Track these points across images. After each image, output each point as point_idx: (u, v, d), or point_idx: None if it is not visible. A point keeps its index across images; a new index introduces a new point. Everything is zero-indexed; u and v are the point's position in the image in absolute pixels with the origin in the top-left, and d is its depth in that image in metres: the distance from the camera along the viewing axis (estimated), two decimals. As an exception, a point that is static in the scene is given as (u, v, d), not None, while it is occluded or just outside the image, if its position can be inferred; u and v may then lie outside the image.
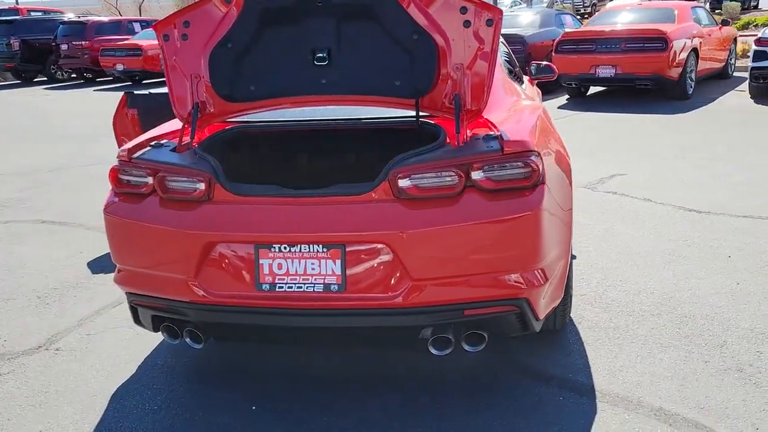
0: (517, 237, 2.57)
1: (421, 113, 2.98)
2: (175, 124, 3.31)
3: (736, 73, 13.85)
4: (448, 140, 2.74)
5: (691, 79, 11.17)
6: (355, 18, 2.85)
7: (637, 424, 2.70)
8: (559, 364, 3.16)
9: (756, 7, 30.20)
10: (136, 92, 5.28)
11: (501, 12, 2.75)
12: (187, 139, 2.98)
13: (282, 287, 2.62)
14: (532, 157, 2.61)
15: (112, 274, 4.43)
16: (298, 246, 2.60)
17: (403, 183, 2.57)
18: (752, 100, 10.75)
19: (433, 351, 2.69)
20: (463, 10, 2.74)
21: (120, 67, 19.15)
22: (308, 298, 2.61)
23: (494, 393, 2.96)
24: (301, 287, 2.61)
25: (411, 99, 2.93)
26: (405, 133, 3.15)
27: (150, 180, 2.81)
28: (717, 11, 23.23)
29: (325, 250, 2.59)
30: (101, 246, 5.27)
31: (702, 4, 13.48)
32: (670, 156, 7.32)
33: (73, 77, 22.15)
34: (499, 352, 3.25)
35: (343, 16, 2.85)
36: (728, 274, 4.10)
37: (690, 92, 11.14)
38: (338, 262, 2.59)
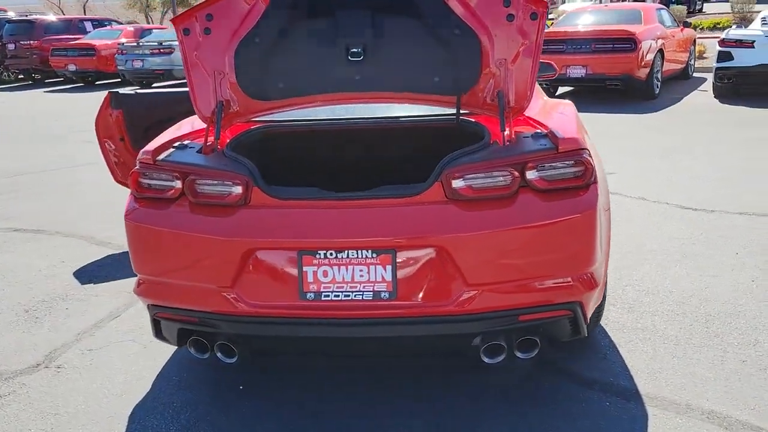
0: (574, 238, 2.48)
1: (461, 111, 2.86)
2: (191, 124, 3.12)
3: (695, 74, 14.18)
4: (493, 139, 2.63)
5: (658, 80, 11.37)
6: (392, 11, 2.72)
7: (691, 428, 2.64)
8: (597, 368, 3.09)
9: (701, 11, 31.19)
10: (120, 91, 5.00)
11: (546, 4, 2.66)
12: (212, 139, 2.79)
13: (328, 296, 2.47)
14: (585, 155, 2.52)
15: (104, 285, 4.21)
16: (346, 252, 2.45)
17: (457, 183, 2.44)
18: (717, 100, 11.00)
19: (485, 359, 2.57)
20: (507, 2, 2.63)
21: (72, 67, 18.49)
22: (356, 307, 2.46)
23: (537, 398, 2.87)
24: (348, 295, 2.46)
25: (451, 96, 2.82)
26: (443, 132, 3.03)
27: (178, 184, 2.61)
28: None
29: (374, 255, 2.45)
30: (84, 255, 5.00)
31: (664, 6, 13.72)
32: (651, 155, 7.39)
33: (21, 78, 21.29)
34: (537, 358, 3.16)
35: (379, 9, 2.71)
36: (740, 271, 4.10)
37: (657, 92, 11.34)
38: (388, 268, 2.45)
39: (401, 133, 3.15)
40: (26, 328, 3.85)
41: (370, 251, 2.44)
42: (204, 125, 2.93)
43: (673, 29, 12.48)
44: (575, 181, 2.51)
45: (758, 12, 24.23)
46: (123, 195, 6.67)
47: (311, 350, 3.00)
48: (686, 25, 13.55)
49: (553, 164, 2.49)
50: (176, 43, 16.45)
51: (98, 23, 21.64)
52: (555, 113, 2.98)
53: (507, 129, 2.64)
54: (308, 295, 2.48)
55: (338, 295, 2.47)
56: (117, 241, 5.29)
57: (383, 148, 3.24)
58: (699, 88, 12.48)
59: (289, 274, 2.50)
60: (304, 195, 2.52)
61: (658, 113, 10.11)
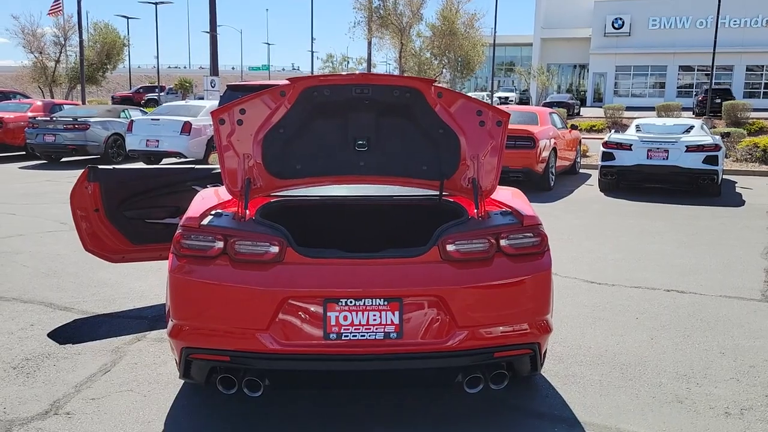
0: (535, 292, 3.25)
1: (443, 192, 3.64)
2: (210, 199, 3.70)
3: (581, 170, 15.95)
4: (471, 215, 3.40)
5: (552, 173, 12.82)
6: (392, 114, 3.49)
7: (622, 443, 3.38)
8: (543, 404, 3.81)
9: (578, 114, 34.68)
10: (99, 167, 5.45)
11: (509, 115, 3.52)
12: (241, 209, 3.39)
13: (347, 336, 3.07)
14: (542, 229, 3.33)
15: (83, 345, 4.59)
16: (362, 300, 3.08)
17: (450, 248, 3.17)
18: (602, 193, 12.54)
19: (467, 389, 3.23)
20: (479, 112, 3.47)
21: (-23, 139, 18.04)
22: (370, 345, 3.08)
23: (501, 424, 3.53)
24: (364, 335, 3.08)
25: (435, 181, 3.58)
26: (428, 208, 3.78)
27: (220, 244, 3.18)
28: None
29: (385, 303, 3.09)
30: (51, 319, 5.25)
31: (556, 111, 15.50)
32: (555, 238, 8.47)
33: None
34: (490, 396, 3.85)
35: (382, 112, 3.47)
36: (642, 332, 5.02)
37: (552, 184, 12.76)
38: (396, 313, 3.10)
39: (395, 208, 3.87)
40: (21, 381, 4.11)
41: (381, 299, 3.09)
42: (228, 197, 3.52)
43: (563, 130, 14.16)
44: (535, 248, 3.30)
45: (627, 118, 27.51)
46: (67, 263, 6.98)
47: (330, 382, 3.55)
48: (573, 127, 15.36)
49: (519, 235, 3.27)
50: (93, 119, 16.64)
51: (3, 96, 21.29)
52: (511, 197, 3.81)
53: (480, 207, 3.42)
54: (331, 335, 3.07)
55: (355, 336, 3.08)
56: (80, 306, 5.58)
57: (380, 217, 3.95)
58: (586, 183, 14.10)
59: (315, 318, 3.09)
60: (329, 254, 3.16)
61: (555, 203, 11.43)
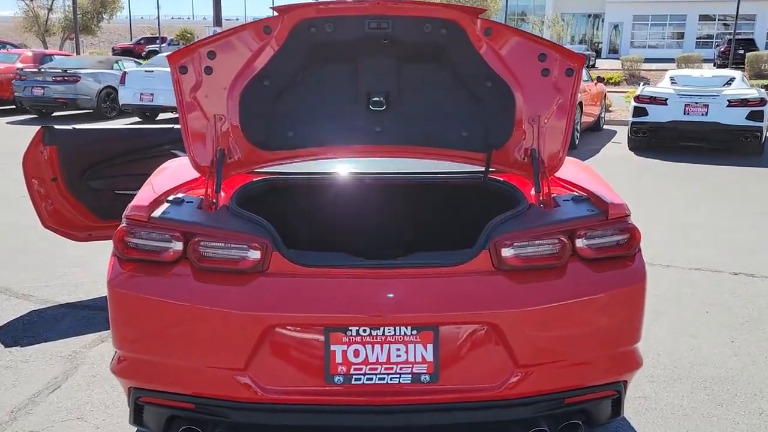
0: (622, 312, 2.30)
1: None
2: (177, 175, 2.73)
3: (605, 126, 14.84)
4: (530, 201, 2.44)
5: (578, 131, 11.75)
6: (420, 58, 2.49)
7: None
8: (616, 442, 2.90)
9: (593, 66, 33.19)
10: (56, 127, 4.47)
11: (583, 60, 2.51)
12: (211, 192, 2.43)
13: (359, 379, 2.15)
14: (631, 222, 2.36)
15: (33, 348, 3.67)
16: (381, 329, 2.15)
17: (507, 252, 2.21)
18: (632, 152, 11.48)
19: None
20: (542, 57, 2.46)
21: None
22: (393, 392, 2.16)
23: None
24: (383, 378, 2.15)
25: (481, 153, 2.60)
26: (466, 190, 2.80)
27: (178, 246, 2.23)
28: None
29: (414, 332, 2.16)
30: (2, 310, 4.38)
31: (581, 61, 14.32)
32: (590, 206, 7.50)
33: None
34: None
35: (407, 56, 2.48)
36: (718, 332, 4.09)
37: (577, 143, 11.70)
38: (430, 347, 2.16)
39: (423, 192, 2.89)
40: (-56, 403, 3.23)
41: (409, 328, 2.16)
42: (193, 175, 2.57)
43: (588, 83, 13.02)
44: (623, 250, 2.34)
45: (645, 70, 26.14)
46: (37, 238, 6.00)
47: None
48: (599, 79, 14.19)
49: (602, 232, 2.31)
50: (83, 71, 15.60)
51: (-8, 46, 20.15)
52: (582, 174, 2.83)
53: (544, 190, 2.45)
54: (336, 378, 2.15)
55: (371, 378, 2.15)
56: (40, 294, 4.70)
57: (404, 206, 2.97)
58: (613, 140, 13.01)
59: (314, 354, 2.16)
60: (333, 261, 2.21)
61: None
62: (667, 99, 11.06)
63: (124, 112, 15.71)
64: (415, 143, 2.60)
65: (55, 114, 16.35)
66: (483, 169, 2.69)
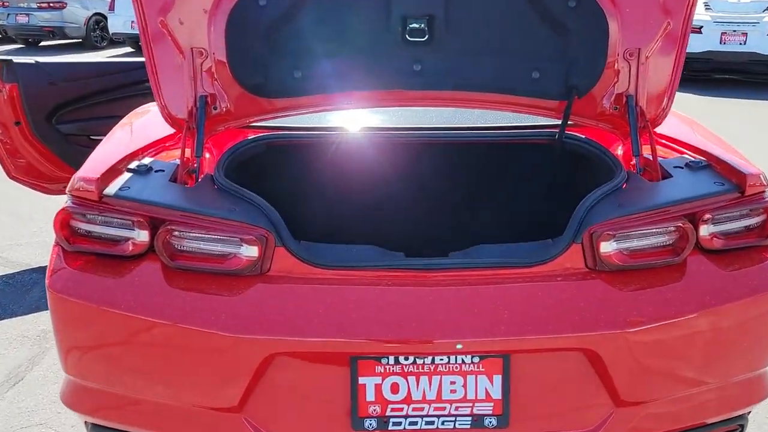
0: (757, 325, 1.67)
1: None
2: (143, 131, 2.07)
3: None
4: (625, 171, 1.78)
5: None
6: None
7: None
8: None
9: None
10: (15, 60, 3.76)
11: None
12: (190, 157, 1.78)
13: (399, 423, 1.54)
14: None
15: (1, 323, 3.11)
16: (430, 357, 1.53)
17: (608, 247, 1.56)
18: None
19: None
20: None
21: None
22: None
23: None
24: (432, 422, 1.55)
25: (556, 100, 1.92)
26: (532, 152, 2.13)
27: (142, 236, 1.59)
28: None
29: (476, 361, 1.54)
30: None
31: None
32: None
33: None
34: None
35: None
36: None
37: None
38: (497, 379, 1.55)
39: (473, 154, 2.21)
40: None
41: (469, 356, 1.53)
42: (166, 132, 1.91)
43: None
44: (757, 237, 1.68)
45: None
46: (10, 187, 5.31)
47: None
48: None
49: (736, 213, 1.65)
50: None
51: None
52: (687, 127, 2.15)
53: (653, 156, 1.80)
54: (367, 422, 1.54)
55: (415, 422, 1.55)
56: (12, 253, 4.10)
57: (448, 175, 2.28)
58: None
59: (335, 390, 1.54)
60: (361, 262, 1.57)
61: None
62: (701, 27, 10.16)
63: (115, 41, 14.76)
64: (467, 87, 1.91)
65: (42, 43, 15.42)
66: (558, 122, 2.02)
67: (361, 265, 1.56)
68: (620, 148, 2.06)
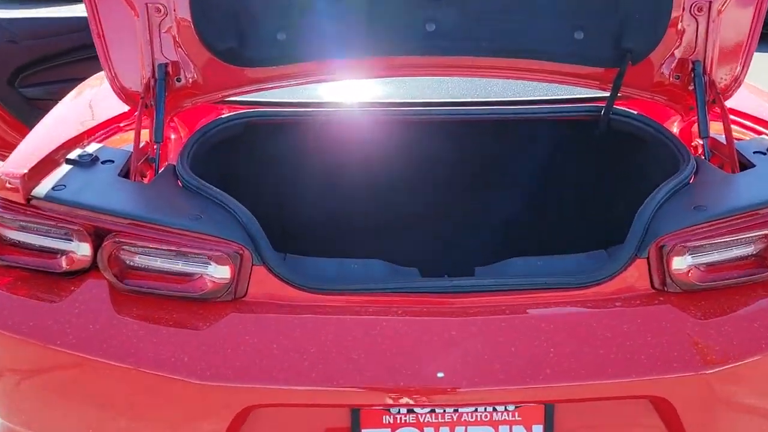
0: None
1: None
2: (87, 108, 1.71)
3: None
4: (692, 157, 1.44)
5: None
6: None
7: None
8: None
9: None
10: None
11: None
12: (147, 144, 1.42)
13: None
14: None
15: None
16: (452, 408, 1.20)
17: (682, 262, 1.21)
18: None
19: None
20: None
21: None
22: None
23: None
24: None
25: (602, 67, 1.55)
26: (568, 132, 1.77)
27: (83, 249, 1.25)
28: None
29: (510, 409, 1.20)
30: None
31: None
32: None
33: None
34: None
35: None
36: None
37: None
38: (537, 431, 1.21)
39: (498, 134, 1.83)
40: None
41: (502, 405, 1.20)
42: (119, 109, 1.55)
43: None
44: None
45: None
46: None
47: None
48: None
49: None
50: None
51: None
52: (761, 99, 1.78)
53: (728, 136, 1.44)
54: None
55: None
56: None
57: (467, 161, 1.88)
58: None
59: None
60: (363, 283, 1.23)
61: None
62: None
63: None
64: (491, 52, 1.53)
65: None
66: (604, 94, 1.65)
67: (365, 289, 1.22)
68: (675, 126, 1.69)
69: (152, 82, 1.45)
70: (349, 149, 1.71)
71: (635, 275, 1.24)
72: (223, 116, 1.59)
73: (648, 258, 1.23)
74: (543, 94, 1.77)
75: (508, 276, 1.26)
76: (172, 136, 1.61)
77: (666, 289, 1.24)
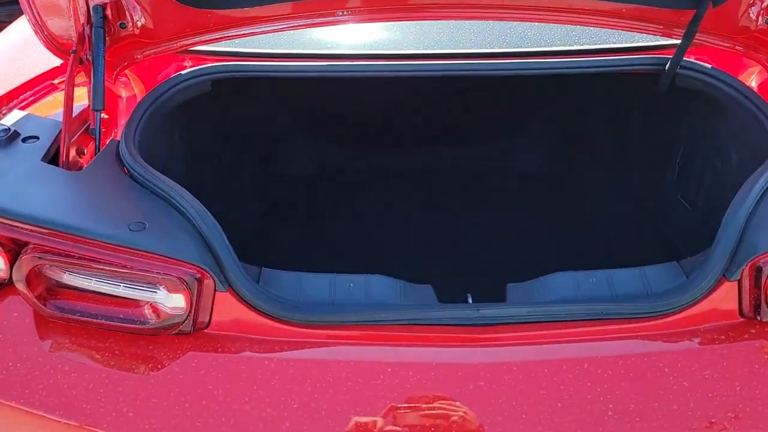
0: None
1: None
2: (26, 58, 1.37)
3: None
4: None
5: None
6: None
7: None
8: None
9: None
10: None
11: None
12: (82, 114, 1.10)
13: None
14: None
15: None
16: None
17: None
18: None
19: None
20: None
21: None
22: None
23: None
24: None
25: (676, 9, 1.20)
26: (620, 93, 1.43)
27: (-6, 265, 0.94)
28: None
29: None
30: None
31: None
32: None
33: None
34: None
35: None
36: None
37: None
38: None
39: (524, 94, 1.48)
40: None
41: None
42: (48, 65, 1.23)
43: None
44: None
45: None
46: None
47: None
48: None
49: None
50: None
51: None
52: None
53: None
54: None
55: None
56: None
57: (486, 128, 1.54)
58: None
59: None
60: (363, 313, 0.93)
61: None
62: None
63: None
64: None
65: None
66: (666, 42, 1.30)
67: (367, 321, 0.92)
68: (753, 81, 1.35)
69: (87, 30, 1.11)
70: (343, 115, 1.37)
71: (720, 299, 0.94)
72: (182, 73, 1.25)
73: (741, 279, 0.93)
74: (579, 42, 1.42)
75: (552, 300, 0.96)
76: (123, 95, 1.28)
77: (760, 317, 0.94)
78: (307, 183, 1.61)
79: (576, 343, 0.93)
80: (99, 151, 1.10)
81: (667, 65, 1.29)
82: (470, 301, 0.98)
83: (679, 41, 1.24)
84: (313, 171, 1.65)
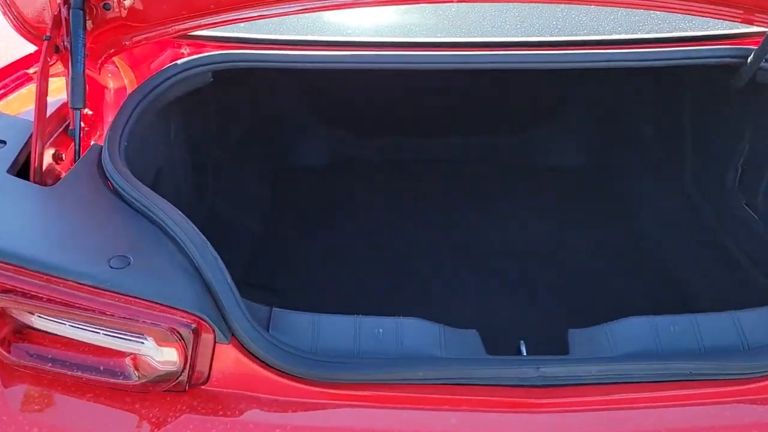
0: None
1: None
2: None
3: None
4: None
5: None
6: None
7: None
8: None
9: None
10: None
11: None
12: (58, 112, 0.92)
13: None
14: None
15: None
16: None
17: None
18: None
19: None
20: None
21: None
22: None
23: None
24: None
25: None
26: (697, 89, 1.25)
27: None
28: None
29: None
30: None
31: None
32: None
33: None
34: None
35: None
36: None
37: None
38: None
39: (577, 91, 1.29)
40: None
41: None
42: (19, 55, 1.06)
43: None
44: None
45: None
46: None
47: None
48: None
49: None
50: None
51: None
52: None
53: None
54: None
55: None
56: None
57: (530, 132, 1.35)
58: None
59: None
60: (398, 368, 0.76)
61: None
62: None
63: None
64: None
65: None
66: (747, 30, 1.11)
67: (404, 380, 0.75)
68: None
69: (64, 11, 0.93)
70: (362, 114, 1.19)
71: None
72: (179, 62, 1.06)
73: None
74: (637, 32, 1.23)
75: (626, 354, 0.79)
76: (111, 86, 1.10)
77: None
78: (319, 179, 1.44)
79: (658, 409, 0.76)
80: (79, 157, 0.93)
81: (750, 57, 1.10)
82: (524, 351, 0.81)
83: (765, 29, 1.05)
84: (325, 162, 1.48)
